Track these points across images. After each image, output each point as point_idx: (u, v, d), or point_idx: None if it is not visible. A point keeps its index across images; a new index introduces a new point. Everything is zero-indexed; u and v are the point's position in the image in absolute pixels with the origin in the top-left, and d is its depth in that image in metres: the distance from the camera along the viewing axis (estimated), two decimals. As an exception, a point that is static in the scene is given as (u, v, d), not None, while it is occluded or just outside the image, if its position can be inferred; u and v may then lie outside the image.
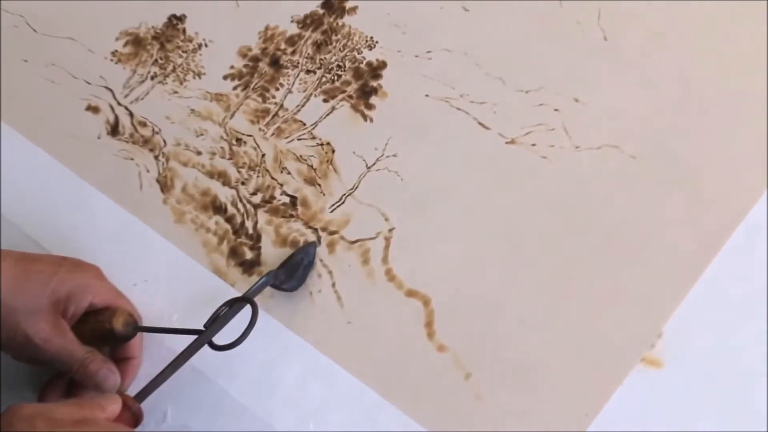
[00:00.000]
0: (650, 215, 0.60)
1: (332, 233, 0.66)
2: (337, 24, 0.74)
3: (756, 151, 0.60)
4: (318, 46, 0.73)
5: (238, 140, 0.72)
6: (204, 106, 0.73)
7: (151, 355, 0.63)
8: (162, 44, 0.77)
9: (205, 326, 0.59)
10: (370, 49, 0.72)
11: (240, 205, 0.69)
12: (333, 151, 0.69)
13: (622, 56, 0.67)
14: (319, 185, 0.68)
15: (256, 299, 0.60)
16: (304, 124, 0.71)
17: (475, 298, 0.60)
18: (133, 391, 0.58)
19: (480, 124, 0.67)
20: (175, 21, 0.77)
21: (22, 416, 0.50)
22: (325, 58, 0.73)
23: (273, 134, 0.71)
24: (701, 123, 0.63)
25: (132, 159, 0.73)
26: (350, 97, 0.71)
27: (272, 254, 0.66)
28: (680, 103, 0.64)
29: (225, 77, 0.75)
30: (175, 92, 0.75)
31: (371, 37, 0.73)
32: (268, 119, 0.72)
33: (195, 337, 0.58)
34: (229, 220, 0.68)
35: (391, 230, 0.65)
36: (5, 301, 0.58)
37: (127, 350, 0.62)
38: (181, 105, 0.74)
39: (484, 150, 0.66)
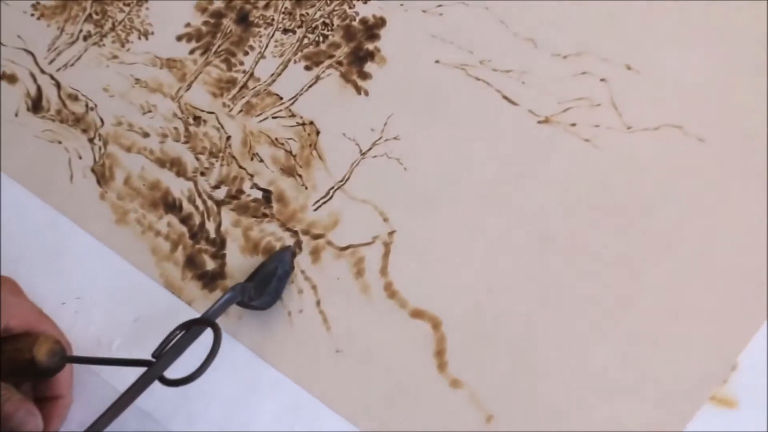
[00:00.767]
0: (723, 215, 0.57)
1: (317, 237, 0.63)
2: (323, -32, 0.73)
3: None
4: (298, -1, 0.72)
5: (196, 119, 0.69)
6: (152, 75, 0.71)
7: (85, 393, 0.61)
8: (98, -6, 0.77)
9: (154, 356, 0.56)
10: (365, 2, 0.69)
11: (199, 202, 0.67)
12: (317, 133, 0.66)
13: (691, 9, 0.63)
14: (300, 176, 0.65)
15: (220, 320, 0.57)
16: (281, 99, 0.68)
17: (497, 321, 0.58)
18: (61, 439, 0.58)
19: (505, 98, 0.63)
20: (116, -36, 0.76)
21: None
22: (308, 13, 0.70)
23: (241, 111, 0.68)
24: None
25: (60, 142, 0.71)
26: (339, 63, 0.68)
27: (240, 264, 0.64)
28: (765, 72, 0.60)
29: (179, 38, 0.72)
30: (115, 57, 0.73)
31: (367, -14, 0.71)
32: (234, 92, 0.69)
33: (142, 369, 0.56)
34: (185, 220, 0.66)
35: (391, 233, 0.62)
36: None
37: (53, 387, 0.60)
38: (123, 73, 0.72)
39: (511, 131, 0.62)
